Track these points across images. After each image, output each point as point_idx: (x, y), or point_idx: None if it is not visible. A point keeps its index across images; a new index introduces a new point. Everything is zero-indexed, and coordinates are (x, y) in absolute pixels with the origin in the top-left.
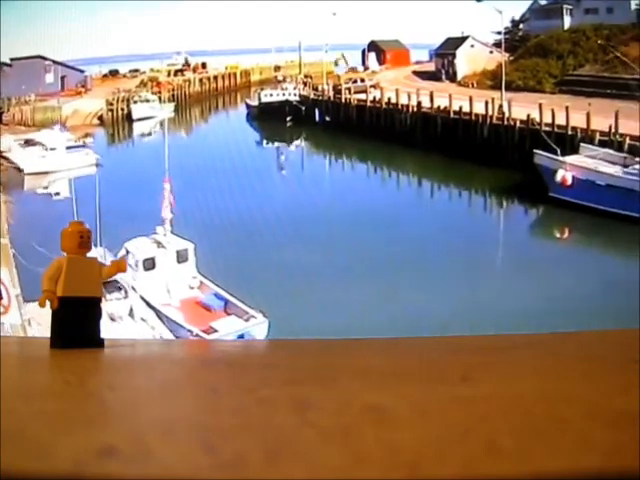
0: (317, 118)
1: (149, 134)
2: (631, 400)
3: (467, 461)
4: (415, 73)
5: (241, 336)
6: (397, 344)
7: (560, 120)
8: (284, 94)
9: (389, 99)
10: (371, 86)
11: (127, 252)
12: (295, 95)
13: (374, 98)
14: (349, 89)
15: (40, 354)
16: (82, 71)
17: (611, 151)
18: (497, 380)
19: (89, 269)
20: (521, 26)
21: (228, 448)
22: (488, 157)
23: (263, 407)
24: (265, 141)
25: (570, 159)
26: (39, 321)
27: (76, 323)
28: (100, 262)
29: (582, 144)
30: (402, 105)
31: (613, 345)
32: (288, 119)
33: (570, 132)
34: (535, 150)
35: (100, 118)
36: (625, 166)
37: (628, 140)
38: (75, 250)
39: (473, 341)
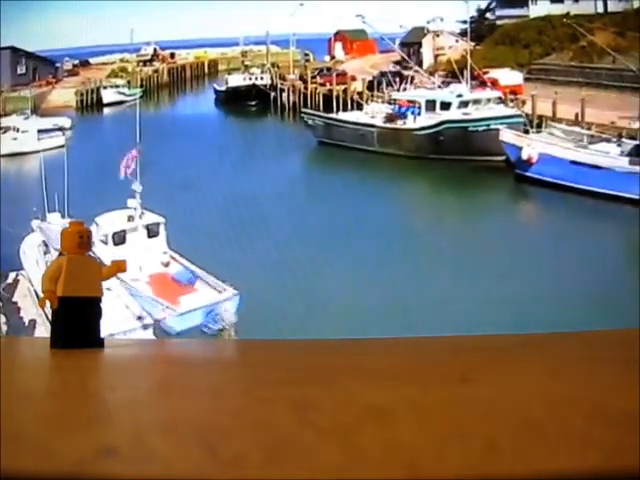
0: (284, 102)
1: (119, 117)
2: (631, 400)
3: (467, 461)
4: (382, 63)
5: (210, 310)
6: (397, 344)
7: (527, 108)
8: (251, 78)
9: (355, 88)
10: (338, 74)
11: (97, 226)
12: (262, 79)
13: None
14: (315, 78)
15: (40, 354)
16: (53, 62)
17: (577, 129)
18: (497, 380)
19: (89, 269)
20: (487, 15)
21: (228, 448)
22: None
23: (263, 407)
24: (233, 121)
25: (536, 136)
26: None
27: (76, 323)
28: (100, 262)
29: (549, 122)
30: (368, 94)
31: (613, 345)
32: (253, 103)
33: (537, 120)
34: (501, 128)
35: (71, 107)
36: (591, 143)
37: (594, 128)
38: (75, 250)
39: (473, 341)
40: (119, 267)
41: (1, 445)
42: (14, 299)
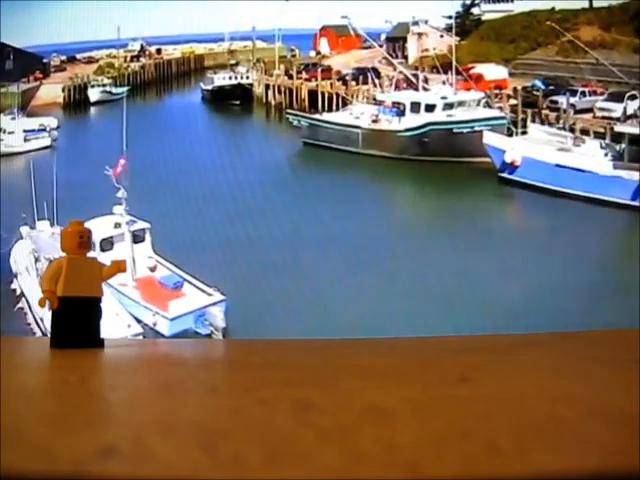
0: (270, 100)
1: (105, 116)
2: (631, 400)
3: (467, 461)
4: (367, 58)
5: (201, 315)
6: (397, 344)
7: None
8: (236, 77)
9: (340, 83)
10: (323, 70)
11: None
12: (248, 78)
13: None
14: (301, 73)
15: (40, 354)
16: (41, 58)
17: (560, 131)
18: (497, 380)
19: (89, 269)
20: (473, 10)
21: (228, 448)
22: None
23: (263, 407)
24: (218, 120)
25: (519, 139)
26: None
27: (76, 323)
28: (100, 262)
29: (532, 124)
30: (353, 89)
31: (613, 345)
32: (237, 102)
33: (522, 115)
34: (485, 130)
35: (59, 104)
36: (575, 146)
37: (579, 123)
38: (75, 250)
39: (473, 341)
40: (119, 267)
41: (1, 445)
42: (20, 305)
